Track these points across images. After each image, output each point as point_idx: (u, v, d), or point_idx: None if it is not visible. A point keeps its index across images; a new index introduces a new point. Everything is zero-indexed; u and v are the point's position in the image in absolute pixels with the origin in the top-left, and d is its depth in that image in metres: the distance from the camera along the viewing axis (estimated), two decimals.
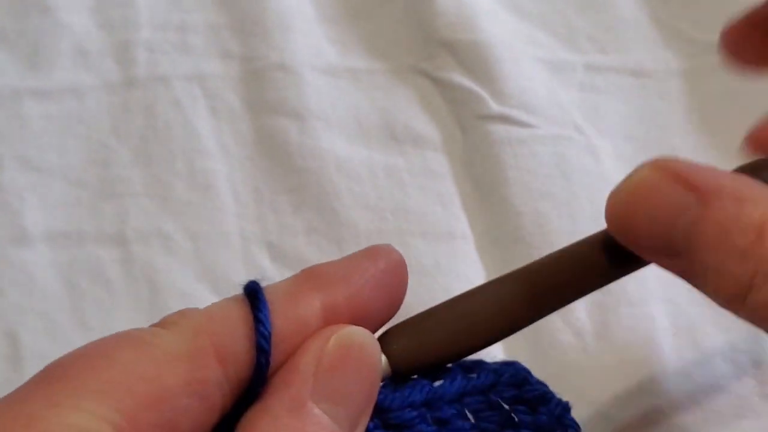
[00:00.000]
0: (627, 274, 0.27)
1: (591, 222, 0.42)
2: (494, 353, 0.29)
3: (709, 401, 0.37)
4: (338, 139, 0.46)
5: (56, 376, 0.20)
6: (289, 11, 0.51)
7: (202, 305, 0.40)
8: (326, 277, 0.24)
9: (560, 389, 0.27)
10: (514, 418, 0.26)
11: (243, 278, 0.41)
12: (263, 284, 0.23)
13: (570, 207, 0.43)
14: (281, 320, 0.22)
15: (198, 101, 0.48)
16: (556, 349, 0.38)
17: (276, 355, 0.22)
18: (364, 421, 0.23)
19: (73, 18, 0.51)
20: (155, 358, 0.21)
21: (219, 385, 0.21)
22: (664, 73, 0.50)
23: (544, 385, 0.26)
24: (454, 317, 0.25)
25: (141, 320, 0.40)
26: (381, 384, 0.24)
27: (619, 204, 0.24)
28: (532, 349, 0.39)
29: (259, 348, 0.22)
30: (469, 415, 0.25)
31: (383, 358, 0.24)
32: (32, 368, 0.38)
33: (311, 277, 0.24)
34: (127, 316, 0.40)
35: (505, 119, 0.46)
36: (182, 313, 0.23)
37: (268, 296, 0.23)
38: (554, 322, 0.39)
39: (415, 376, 0.25)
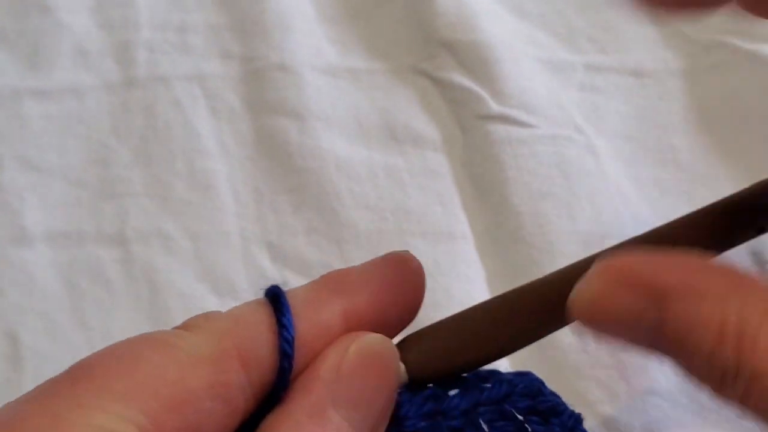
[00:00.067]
0: None
1: (591, 222, 0.42)
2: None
3: (710, 401, 0.37)
4: (338, 139, 0.46)
5: (82, 377, 0.20)
6: (289, 11, 0.51)
7: (202, 305, 0.41)
8: (347, 282, 0.24)
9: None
10: (527, 429, 0.26)
11: (243, 278, 0.41)
12: (284, 288, 0.23)
13: (570, 207, 0.43)
14: (303, 325, 0.23)
15: (198, 101, 0.48)
16: (557, 349, 0.38)
17: (298, 359, 0.22)
18: (382, 427, 0.23)
19: (73, 18, 0.51)
20: (180, 360, 0.21)
21: (242, 389, 0.22)
22: (664, 73, 0.50)
23: (558, 397, 0.26)
24: (470, 327, 0.25)
25: (141, 320, 0.40)
26: (397, 391, 0.24)
27: (580, 315, 0.23)
28: (533, 349, 0.39)
29: (282, 352, 0.22)
30: (483, 425, 0.25)
31: (401, 367, 0.24)
32: (32, 368, 0.39)
33: (332, 282, 0.24)
34: (127, 316, 0.40)
35: (505, 119, 0.46)
36: (206, 316, 0.23)
37: (290, 300, 0.23)
38: None
39: (431, 385, 0.25)
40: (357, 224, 0.43)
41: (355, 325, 0.23)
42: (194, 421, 0.20)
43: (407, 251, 0.25)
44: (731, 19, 0.50)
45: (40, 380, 0.38)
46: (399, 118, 0.47)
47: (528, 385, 0.26)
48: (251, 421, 0.22)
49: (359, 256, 0.42)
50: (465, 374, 0.26)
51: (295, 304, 0.23)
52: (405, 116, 0.47)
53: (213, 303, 0.41)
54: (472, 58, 0.48)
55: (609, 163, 0.46)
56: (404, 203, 0.44)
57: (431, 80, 0.49)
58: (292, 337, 0.22)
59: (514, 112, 0.46)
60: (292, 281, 0.41)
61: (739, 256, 0.39)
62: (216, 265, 0.42)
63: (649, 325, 0.22)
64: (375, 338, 0.23)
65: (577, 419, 0.26)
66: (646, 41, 0.51)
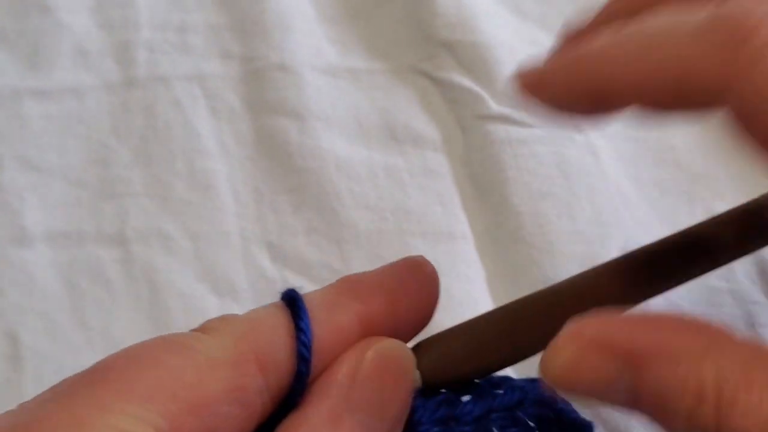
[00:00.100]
0: (645, 300, 0.27)
1: (591, 222, 0.42)
2: None
3: None
4: (338, 139, 0.46)
5: (101, 378, 0.20)
6: (289, 11, 0.51)
7: (202, 305, 0.41)
8: (363, 287, 0.24)
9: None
10: None
11: (243, 278, 0.41)
12: (301, 292, 0.23)
13: (570, 207, 0.43)
14: (320, 329, 0.23)
15: (198, 101, 0.48)
16: None
17: (315, 363, 0.22)
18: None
19: (73, 18, 0.51)
20: (198, 363, 0.21)
21: (259, 393, 0.22)
22: None
23: (570, 404, 0.26)
24: (483, 332, 0.25)
25: (141, 320, 0.40)
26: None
27: (552, 383, 0.22)
28: None
29: (299, 356, 0.22)
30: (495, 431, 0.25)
31: (416, 373, 0.24)
32: (32, 368, 0.38)
33: (348, 286, 0.24)
34: (127, 316, 0.40)
35: (505, 119, 0.46)
36: (223, 319, 0.23)
37: (307, 304, 0.23)
38: None
39: (444, 390, 0.25)
40: (357, 224, 0.43)
41: (370, 329, 0.23)
42: (212, 425, 0.20)
43: (422, 256, 0.25)
44: None
45: (40, 380, 0.38)
46: (399, 118, 0.47)
47: (540, 392, 0.26)
48: (267, 424, 0.22)
49: (359, 256, 0.42)
50: (478, 380, 0.26)
51: (312, 308, 0.23)
52: (405, 116, 0.47)
53: (213, 303, 0.41)
54: (472, 58, 0.48)
55: (609, 163, 0.45)
56: (404, 203, 0.44)
57: (431, 80, 0.49)
58: (310, 341, 0.22)
59: (514, 112, 0.46)
60: (292, 281, 0.41)
61: (743, 265, 0.39)
62: (216, 265, 0.42)
63: (625, 390, 0.21)
64: (392, 343, 0.23)
65: (589, 427, 0.26)
66: None
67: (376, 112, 0.48)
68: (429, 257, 0.42)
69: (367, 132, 0.47)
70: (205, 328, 0.22)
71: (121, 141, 0.46)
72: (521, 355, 0.26)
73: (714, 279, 0.39)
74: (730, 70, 0.21)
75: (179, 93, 0.48)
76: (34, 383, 0.38)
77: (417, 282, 0.24)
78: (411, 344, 0.26)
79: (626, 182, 0.45)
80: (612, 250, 0.41)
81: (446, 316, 0.41)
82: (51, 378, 0.38)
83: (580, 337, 0.22)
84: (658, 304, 0.40)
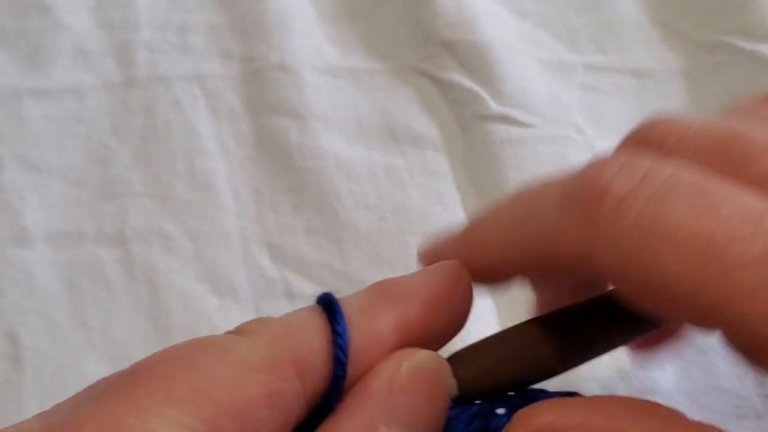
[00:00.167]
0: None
1: None
2: None
3: (710, 401, 0.37)
4: (338, 139, 0.46)
5: (141, 380, 0.20)
6: (289, 11, 0.51)
7: (202, 305, 0.41)
8: (400, 293, 0.24)
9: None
10: None
11: (243, 278, 0.41)
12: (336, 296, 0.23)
13: None
14: (357, 334, 0.22)
15: (198, 101, 0.48)
16: None
17: (351, 368, 0.22)
18: None
19: (73, 18, 0.51)
20: (237, 366, 0.21)
21: (296, 397, 0.21)
22: (664, 73, 0.50)
23: None
24: (521, 344, 0.25)
25: (141, 320, 0.40)
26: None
27: None
28: None
29: (336, 360, 0.22)
30: None
31: (452, 381, 0.24)
32: (32, 368, 0.38)
33: (385, 292, 0.24)
34: (127, 316, 0.40)
35: (505, 119, 0.46)
36: (261, 322, 0.22)
37: (343, 309, 0.23)
38: None
39: (478, 402, 0.25)
40: (357, 224, 0.43)
41: (407, 336, 0.23)
42: (250, 429, 0.20)
43: (455, 262, 0.25)
44: (731, 19, 0.51)
45: (40, 380, 0.38)
46: (399, 118, 0.47)
47: None
48: (301, 429, 0.22)
49: (359, 256, 0.42)
50: (513, 392, 0.26)
51: (348, 314, 0.22)
52: (405, 116, 0.47)
53: (213, 303, 0.41)
54: (472, 58, 0.48)
55: None
56: (404, 203, 0.44)
57: (431, 80, 0.49)
58: (347, 345, 0.22)
59: (514, 112, 0.46)
60: (292, 281, 0.41)
61: None
62: (216, 265, 0.42)
63: None
64: (428, 355, 0.23)
65: None
66: (646, 41, 0.51)
67: (376, 112, 0.48)
68: None
69: (367, 132, 0.47)
70: (241, 331, 0.22)
71: (121, 141, 0.46)
72: (568, 365, 0.26)
73: None
74: (591, 236, 0.21)
75: (179, 93, 0.48)
76: (34, 383, 0.38)
77: (452, 288, 0.24)
78: (445, 352, 0.26)
79: None
80: None
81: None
82: (51, 378, 0.38)
83: (532, 426, 0.22)
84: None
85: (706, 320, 0.20)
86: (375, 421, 0.21)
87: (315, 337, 0.22)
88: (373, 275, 0.41)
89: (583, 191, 0.22)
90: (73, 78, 0.49)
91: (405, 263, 0.41)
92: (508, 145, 0.45)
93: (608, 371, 0.38)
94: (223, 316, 0.40)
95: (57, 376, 0.38)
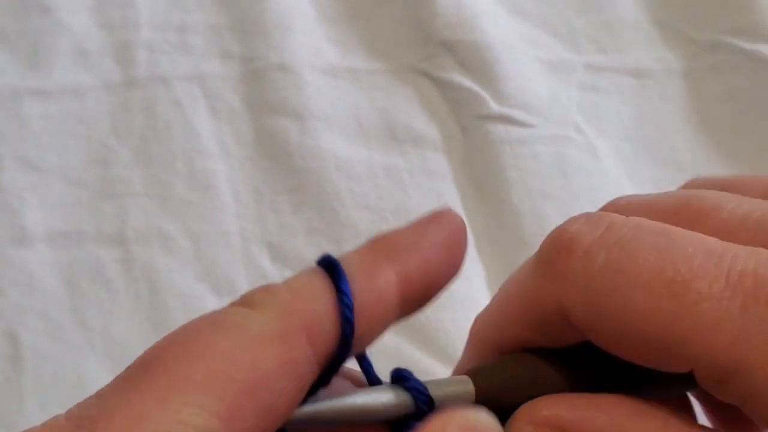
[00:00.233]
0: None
1: None
2: None
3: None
4: (338, 139, 0.46)
5: (159, 369, 0.20)
6: (289, 11, 0.51)
7: (202, 305, 0.41)
8: (398, 247, 0.24)
9: None
10: None
11: (243, 278, 0.41)
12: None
13: (570, 207, 0.43)
14: (359, 292, 0.22)
15: (198, 101, 0.48)
16: None
17: (356, 326, 0.22)
18: None
19: (73, 18, 0.51)
20: (249, 341, 0.21)
21: (309, 364, 0.21)
22: (664, 73, 0.50)
23: None
24: (536, 364, 0.25)
25: (141, 320, 0.40)
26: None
27: None
28: None
29: (344, 318, 0.22)
30: None
31: (471, 388, 0.24)
32: (32, 368, 0.38)
33: (383, 247, 0.24)
34: (127, 316, 0.40)
35: (505, 119, 0.46)
36: (266, 291, 0.22)
37: (344, 268, 0.23)
38: None
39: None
40: (357, 224, 0.43)
41: (408, 288, 0.23)
42: (270, 403, 0.20)
43: (448, 206, 0.25)
44: (731, 19, 0.51)
45: (40, 380, 0.38)
46: (399, 118, 0.47)
47: None
48: (311, 389, 0.22)
49: None
50: None
51: (350, 272, 0.22)
52: (405, 116, 0.47)
53: (213, 303, 0.41)
54: (472, 58, 0.48)
55: (609, 163, 0.46)
56: (404, 203, 0.44)
57: (431, 80, 0.49)
58: (352, 303, 0.22)
59: (514, 112, 0.46)
60: None
61: None
62: (216, 265, 0.42)
63: None
64: (478, 415, 0.23)
65: None
66: (646, 41, 0.51)
67: (376, 112, 0.48)
68: None
69: (367, 132, 0.47)
70: (248, 302, 0.22)
71: (121, 141, 0.46)
72: (578, 388, 0.26)
73: None
74: (563, 285, 0.22)
75: (179, 93, 0.48)
76: (34, 383, 0.38)
77: (448, 237, 0.24)
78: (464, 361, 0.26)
79: (626, 182, 0.45)
80: None
81: (446, 316, 0.41)
82: (51, 378, 0.38)
83: (535, 417, 0.22)
84: None
85: (676, 359, 0.20)
86: None
87: (321, 300, 0.22)
88: None
89: (551, 247, 0.23)
90: (73, 78, 0.49)
91: None
92: (508, 145, 0.45)
93: None
94: None
95: (57, 376, 0.38)
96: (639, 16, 0.52)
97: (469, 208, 0.44)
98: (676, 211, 0.23)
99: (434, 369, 0.38)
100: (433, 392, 0.23)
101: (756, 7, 0.50)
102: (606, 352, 0.23)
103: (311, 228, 0.43)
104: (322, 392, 0.23)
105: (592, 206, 0.43)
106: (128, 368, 0.21)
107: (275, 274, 0.42)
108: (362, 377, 0.24)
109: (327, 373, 0.22)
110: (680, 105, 0.48)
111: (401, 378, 0.23)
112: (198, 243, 0.43)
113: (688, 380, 0.21)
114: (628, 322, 0.21)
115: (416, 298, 0.24)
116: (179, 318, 0.40)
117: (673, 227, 0.22)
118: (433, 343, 0.39)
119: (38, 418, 0.19)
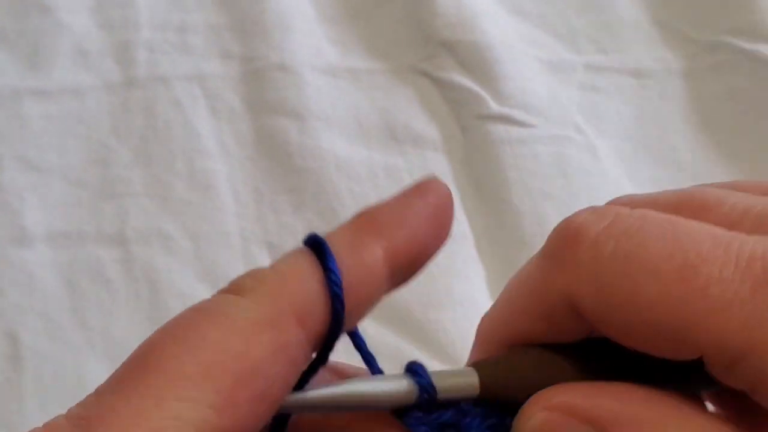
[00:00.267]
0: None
1: None
2: None
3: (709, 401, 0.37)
4: (338, 139, 0.46)
5: (153, 364, 0.20)
6: (289, 11, 0.51)
7: None
8: (384, 221, 0.24)
9: None
10: None
11: None
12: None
13: (570, 207, 0.43)
14: (347, 269, 0.22)
15: (198, 101, 0.48)
16: None
17: (347, 303, 0.22)
18: None
19: (73, 18, 0.51)
20: (240, 330, 0.21)
21: (301, 347, 0.21)
22: (664, 73, 0.50)
23: None
24: (540, 357, 0.25)
25: (141, 320, 0.40)
26: (465, 403, 0.24)
27: None
28: None
29: (334, 296, 0.22)
30: None
31: (476, 380, 0.24)
32: (32, 368, 0.39)
33: (369, 222, 0.24)
34: (127, 316, 0.40)
35: (505, 119, 0.46)
36: (254, 276, 0.22)
37: (331, 246, 0.22)
38: None
39: (497, 412, 0.25)
40: None
41: (395, 262, 0.23)
42: (264, 390, 0.20)
43: (434, 176, 0.25)
44: (731, 19, 0.51)
45: (40, 380, 0.38)
46: (399, 118, 0.47)
47: None
48: (306, 371, 0.22)
49: None
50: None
51: (337, 250, 0.22)
52: (405, 116, 0.47)
53: None
54: (472, 58, 0.48)
55: (609, 163, 0.46)
56: None
57: (431, 80, 0.49)
58: (340, 281, 0.22)
59: (514, 112, 0.46)
60: None
61: None
62: (216, 265, 0.42)
63: None
64: None
65: None
66: (646, 41, 0.51)
67: (376, 112, 0.48)
68: None
69: (367, 132, 0.47)
70: (236, 289, 0.22)
71: (121, 141, 0.46)
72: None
73: None
74: (572, 276, 0.22)
75: (179, 93, 0.48)
76: (34, 383, 0.38)
77: (435, 208, 0.24)
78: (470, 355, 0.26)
79: (626, 182, 0.45)
80: None
81: (446, 316, 0.41)
82: (51, 378, 0.38)
83: (549, 403, 0.22)
84: None
85: (686, 345, 0.21)
86: None
87: (309, 280, 0.22)
88: None
89: (558, 238, 0.23)
90: (73, 78, 0.49)
91: None
92: (508, 145, 0.45)
93: None
94: None
95: (57, 376, 0.38)
96: (639, 16, 0.52)
97: (469, 208, 0.44)
98: (679, 205, 0.23)
99: (434, 369, 0.38)
100: (438, 383, 0.23)
101: (756, 7, 0.50)
102: (611, 347, 0.23)
103: (311, 228, 0.43)
104: (315, 378, 0.23)
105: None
106: (124, 364, 0.21)
107: None
108: (350, 372, 0.24)
109: (323, 351, 0.22)
110: (680, 105, 0.48)
111: (408, 369, 0.23)
112: (198, 243, 0.43)
113: (696, 372, 0.21)
114: (639, 308, 0.21)
115: (405, 270, 0.24)
116: None
117: (678, 217, 0.22)
118: (433, 343, 0.39)
119: (38, 418, 0.20)
